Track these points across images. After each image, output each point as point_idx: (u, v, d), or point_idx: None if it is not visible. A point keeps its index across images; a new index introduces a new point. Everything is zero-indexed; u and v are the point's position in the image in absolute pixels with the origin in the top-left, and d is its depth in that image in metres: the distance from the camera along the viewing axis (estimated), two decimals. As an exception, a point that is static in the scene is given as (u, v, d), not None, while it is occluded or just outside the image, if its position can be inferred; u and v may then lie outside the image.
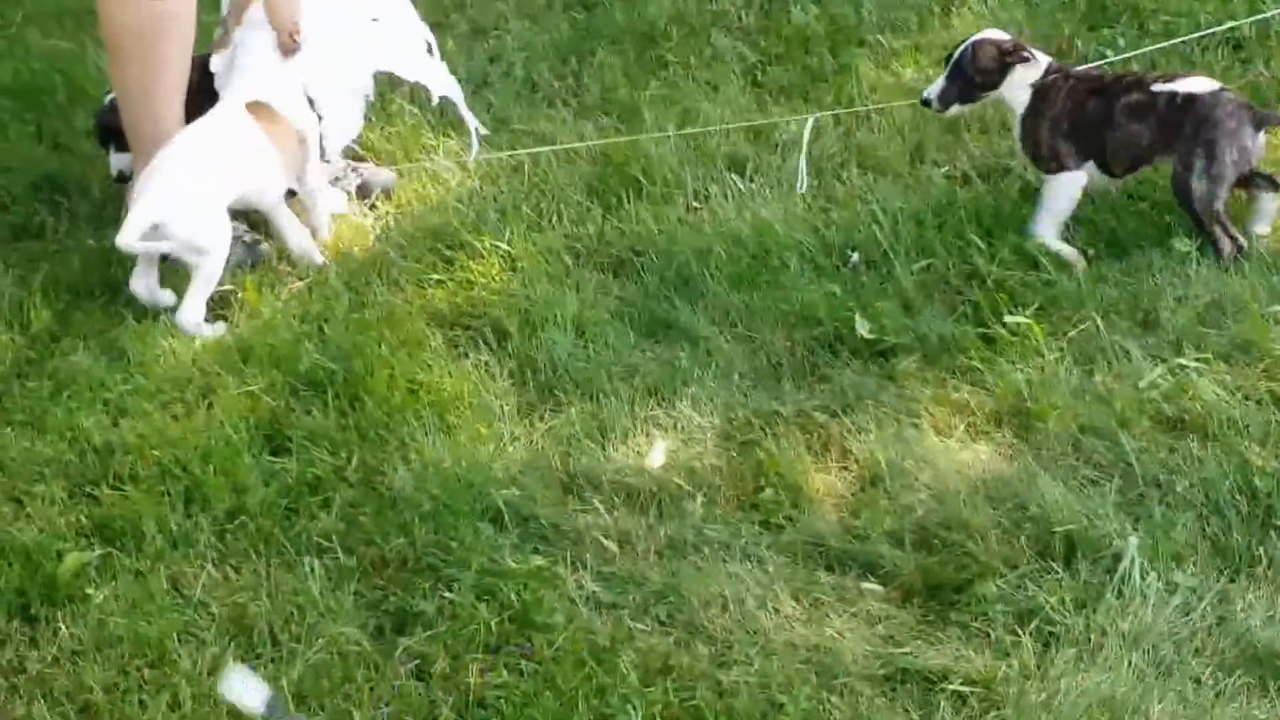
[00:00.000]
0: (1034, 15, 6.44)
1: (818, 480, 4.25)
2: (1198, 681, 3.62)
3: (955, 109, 5.33)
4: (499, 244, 5.28)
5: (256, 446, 4.48)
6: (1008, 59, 5.20)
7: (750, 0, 6.86)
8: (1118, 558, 3.88)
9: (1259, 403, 4.38)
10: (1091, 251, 5.03)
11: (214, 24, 5.75)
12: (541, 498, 4.24)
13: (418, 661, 3.79)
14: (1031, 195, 5.24)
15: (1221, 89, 5.01)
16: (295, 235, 5.42)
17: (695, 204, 5.50)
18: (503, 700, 3.65)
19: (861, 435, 4.37)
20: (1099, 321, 4.70)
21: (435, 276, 5.18)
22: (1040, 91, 5.20)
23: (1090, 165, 5.13)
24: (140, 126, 5.45)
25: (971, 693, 3.61)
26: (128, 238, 4.95)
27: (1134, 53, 5.82)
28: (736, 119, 5.91)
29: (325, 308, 5.06)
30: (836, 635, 3.78)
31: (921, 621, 3.84)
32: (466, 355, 4.82)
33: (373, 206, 5.68)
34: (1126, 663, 3.65)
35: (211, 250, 5.06)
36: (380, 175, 5.82)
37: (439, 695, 3.70)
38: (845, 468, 4.31)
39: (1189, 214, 4.95)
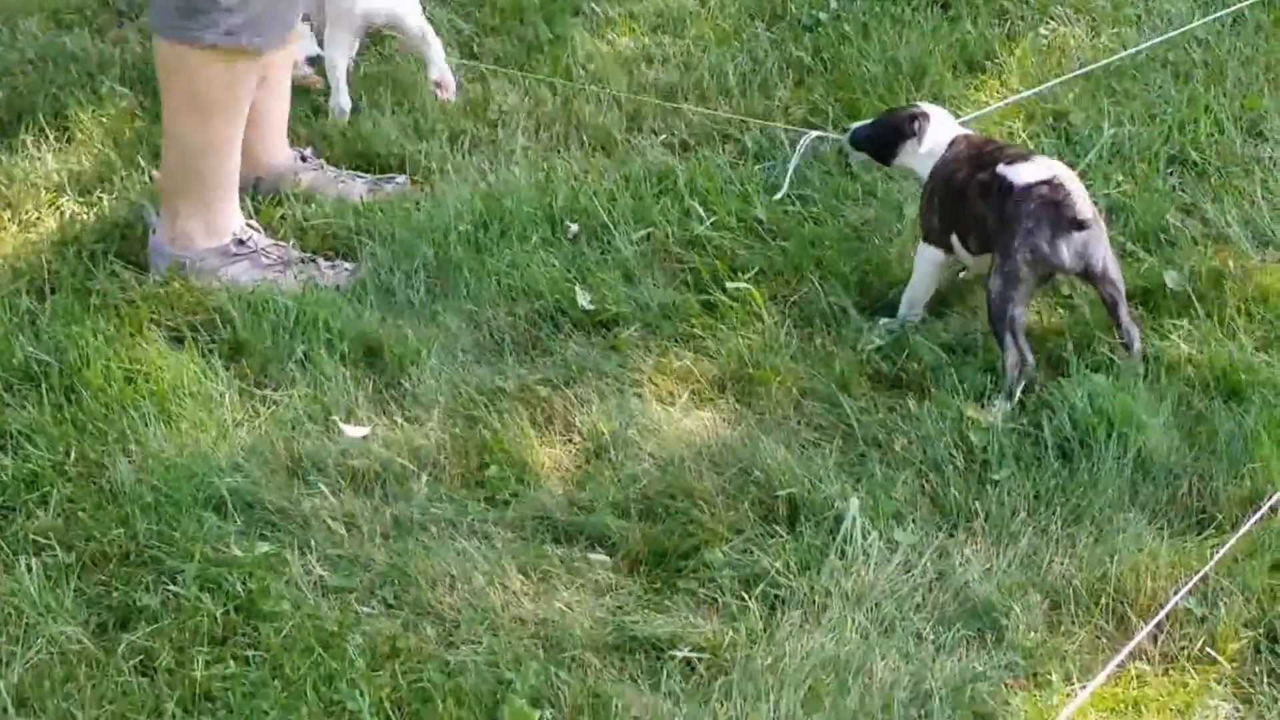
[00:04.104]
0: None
1: (542, 454, 4.25)
2: (919, 637, 3.69)
3: None
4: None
5: (-31, 445, 4.36)
6: None
7: (464, -28, 6.84)
8: (840, 519, 3.94)
9: (975, 355, 4.47)
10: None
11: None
12: (266, 483, 4.17)
13: (141, 657, 3.71)
14: (749, 164, 5.32)
15: (1044, 181, 4.37)
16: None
17: (417, 178, 5.46)
18: (230, 692, 3.59)
19: (585, 407, 4.38)
20: (818, 283, 4.76)
21: (154, 263, 5.06)
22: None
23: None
24: None
25: (699, 659, 3.64)
26: None
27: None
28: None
29: (39, 299, 4.93)
30: (565, 608, 3.79)
31: (649, 590, 3.86)
32: (185, 342, 4.70)
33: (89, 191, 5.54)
34: (850, 622, 3.70)
35: None
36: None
37: (164, 690, 3.61)
38: (570, 440, 4.32)
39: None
